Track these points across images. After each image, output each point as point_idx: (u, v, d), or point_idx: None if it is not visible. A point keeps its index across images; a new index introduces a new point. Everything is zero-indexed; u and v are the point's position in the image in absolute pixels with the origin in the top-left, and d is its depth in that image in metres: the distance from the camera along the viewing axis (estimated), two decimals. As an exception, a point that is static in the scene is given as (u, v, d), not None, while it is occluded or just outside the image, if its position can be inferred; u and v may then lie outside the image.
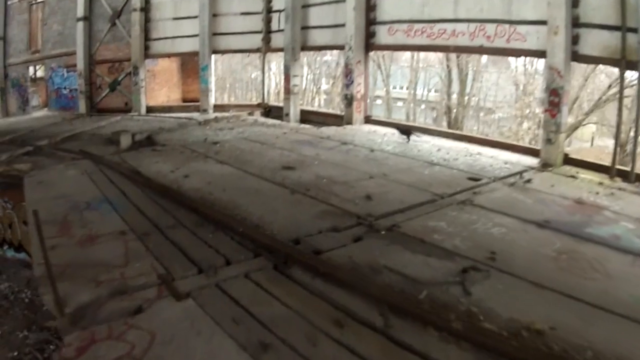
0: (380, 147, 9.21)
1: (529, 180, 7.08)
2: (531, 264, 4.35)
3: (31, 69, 20.88)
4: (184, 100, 18.04)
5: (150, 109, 16.44)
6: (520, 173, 7.49)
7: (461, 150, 8.97)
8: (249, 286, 3.84)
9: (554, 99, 8.20)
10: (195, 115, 14.37)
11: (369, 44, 11.81)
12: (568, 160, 8.23)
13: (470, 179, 7.01)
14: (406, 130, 10.14)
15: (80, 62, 17.58)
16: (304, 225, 5.19)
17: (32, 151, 10.34)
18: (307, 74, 24.92)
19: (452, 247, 4.66)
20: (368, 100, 12.72)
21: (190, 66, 17.17)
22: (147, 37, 16.22)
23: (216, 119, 13.07)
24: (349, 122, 11.84)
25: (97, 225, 5.25)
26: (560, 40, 8.00)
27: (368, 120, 12.09)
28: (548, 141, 8.28)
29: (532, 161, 8.35)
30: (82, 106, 17.95)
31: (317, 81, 26.29)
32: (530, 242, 4.87)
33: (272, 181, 6.94)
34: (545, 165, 8.01)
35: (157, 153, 8.99)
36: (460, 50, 11.24)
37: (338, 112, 12.65)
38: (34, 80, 20.93)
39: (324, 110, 15.00)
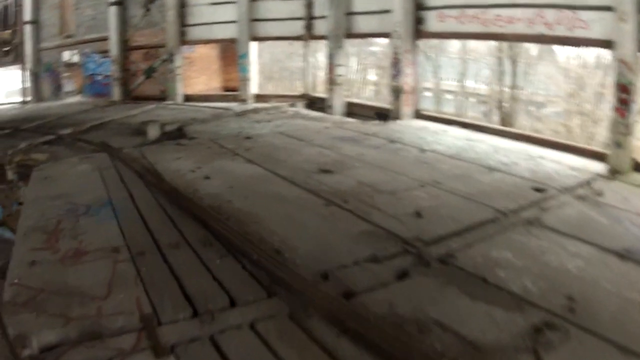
0: (432, 147, 8.32)
1: (600, 193, 6.09)
2: (618, 315, 3.44)
3: (66, 53, 20.89)
4: (225, 89, 17.54)
5: (187, 98, 15.97)
6: (589, 182, 6.54)
7: (521, 153, 8.00)
8: (252, 343, 3.02)
9: (622, 95, 7.20)
10: (234, 105, 13.80)
11: (418, 31, 10.91)
12: (638, 166, 7.28)
13: (535, 189, 6.10)
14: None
15: (113, 47, 17.34)
16: (336, 251, 4.33)
17: (53, 140, 10.17)
18: (356, 64, 24.03)
19: (521, 291, 3.72)
20: (418, 93, 11.80)
21: (231, 53, 16.44)
22: (182, 22, 15.74)
23: (255, 110, 12.45)
24: (397, 117, 11.05)
25: (90, 237, 4.64)
26: (629, 29, 7.06)
27: (418, 114, 11.23)
28: (617, 144, 7.30)
29: (598, 167, 7.29)
30: (116, 93, 17.73)
31: (365, 71, 25.38)
32: (613, 281, 3.93)
33: (304, 187, 6.13)
34: (613, 172, 7.04)
35: (182, 148, 8.49)
36: (517, 38, 9.92)
37: (385, 106, 11.73)
38: (70, 65, 20.85)
39: (370, 103, 14.08)
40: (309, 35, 13.17)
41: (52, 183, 6.54)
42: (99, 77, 19.07)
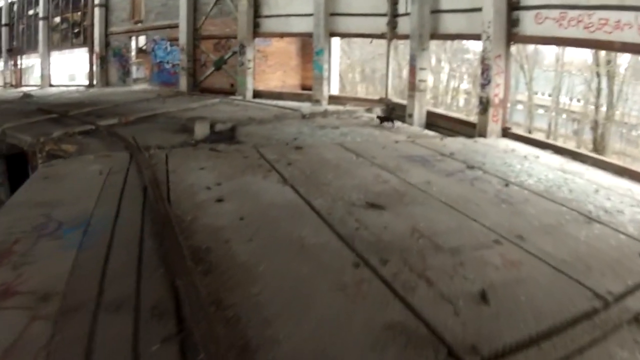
0: (519, 179, 7.20)
1: None
2: None
3: (136, 39, 21.85)
4: (303, 88, 17.62)
5: (257, 94, 16.26)
6: None
7: (626, 195, 6.82)
8: None
9: None
10: (305, 106, 13.89)
11: (511, 34, 10.22)
12: None
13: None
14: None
15: (183, 35, 17.90)
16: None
17: (90, 131, 10.45)
18: (448, 71, 23.59)
19: None
20: (508, 106, 11.19)
21: (312, 49, 16.58)
22: (256, 13, 16.00)
23: (325, 113, 12.44)
24: (483, 134, 10.36)
25: (33, 271, 3.88)
26: None
27: (506, 133, 10.41)
28: None
29: None
30: (183, 83, 18.38)
31: (456, 79, 24.88)
32: None
33: (337, 230, 4.82)
34: None
35: (214, 154, 7.92)
36: (627, 49, 8.85)
37: (471, 119, 11.32)
38: (142, 51, 21.80)
39: (454, 114, 13.43)
40: (392, 33, 12.89)
41: (47, 185, 6.26)
42: (168, 66, 19.81)
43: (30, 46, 28.05)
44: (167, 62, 19.84)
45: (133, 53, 22.07)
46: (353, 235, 4.71)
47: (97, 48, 22.71)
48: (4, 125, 11.48)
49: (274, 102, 14.87)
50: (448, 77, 23.57)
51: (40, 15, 26.45)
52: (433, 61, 21.17)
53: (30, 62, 28.51)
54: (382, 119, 11.52)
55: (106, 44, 22.72)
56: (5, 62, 29.99)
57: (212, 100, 15.42)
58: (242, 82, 16.35)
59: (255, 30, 16.13)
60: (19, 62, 29.16)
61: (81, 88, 23.13)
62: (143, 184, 6.08)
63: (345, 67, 24.24)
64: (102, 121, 11.18)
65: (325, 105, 14.06)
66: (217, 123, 10.58)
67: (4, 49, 30.09)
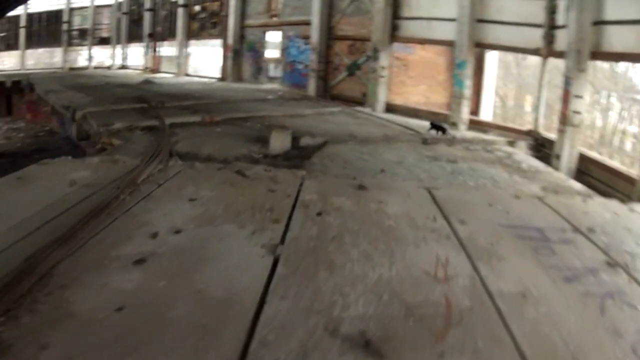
0: None
1: None
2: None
3: (271, 34, 22.42)
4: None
5: (391, 108, 15.74)
6: None
7: None
8: None
9: None
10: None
11: None
12: None
13: None
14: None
15: (315, 34, 17.95)
16: None
17: (154, 127, 11.00)
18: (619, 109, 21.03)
19: None
20: None
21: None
22: (395, 13, 15.47)
23: (452, 141, 11.48)
24: None
25: None
26: None
27: None
28: None
29: None
30: (311, 87, 18.48)
31: (624, 120, 22.08)
32: None
33: None
34: None
35: (233, 180, 6.91)
36: None
37: (632, 173, 9.47)
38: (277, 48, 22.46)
39: (612, 164, 10.82)
40: (549, 50, 11.54)
41: (6, 188, 6.10)
42: (300, 66, 20.06)
43: (171, 33, 30.03)
44: (300, 62, 20.08)
45: (267, 49, 22.62)
46: None
47: (230, 40, 23.69)
48: (88, 109, 12.81)
49: (405, 119, 14.23)
50: (618, 116, 21.08)
51: (181, 1, 28.15)
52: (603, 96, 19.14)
53: (170, 49, 30.51)
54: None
55: (241, 37, 23.62)
56: (147, 47, 32.42)
57: (332, 108, 15.28)
58: (373, 91, 15.96)
59: (393, 34, 15.60)
60: (158, 47, 31.42)
61: (212, 81, 24.43)
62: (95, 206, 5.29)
63: (508, 88, 22.93)
64: (184, 117, 12.03)
65: (462, 130, 13.20)
66: (305, 136, 10.32)
67: (145, 33, 32.53)
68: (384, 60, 15.72)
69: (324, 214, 5.76)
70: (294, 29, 20.07)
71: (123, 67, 37.67)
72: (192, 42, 28.65)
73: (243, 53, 23.78)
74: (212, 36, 26.51)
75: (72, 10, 40.75)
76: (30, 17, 41.54)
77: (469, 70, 13.51)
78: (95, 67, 38.96)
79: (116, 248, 4.50)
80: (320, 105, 16.01)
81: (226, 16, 24.05)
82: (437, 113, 14.73)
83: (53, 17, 41.17)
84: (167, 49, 31.10)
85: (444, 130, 11.88)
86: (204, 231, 5.05)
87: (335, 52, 18.01)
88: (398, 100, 16.16)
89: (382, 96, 15.88)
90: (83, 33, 40.70)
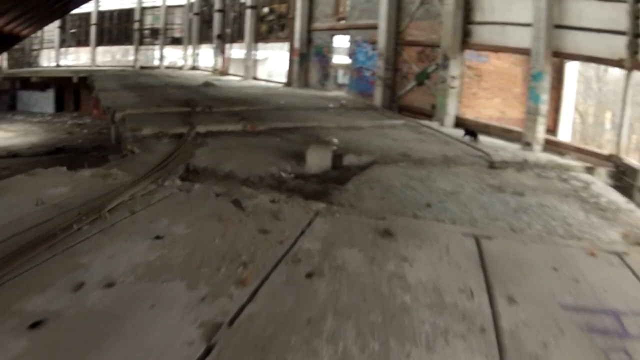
0: None
1: None
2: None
3: (339, 38, 22.07)
4: None
5: (460, 122, 14.98)
6: None
7: None
8: None
9: None
10: (507, 148, 12.29)
11: None
12: None
13: None
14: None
15: (382, 38, 17.44)
16: None
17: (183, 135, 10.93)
18: None
19: None
20: None
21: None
22: (467, 18, 14.75)
23: (522, 165, 10.67)
24: None
25: None
26: None
27: None
28: None
29: None
30: (377, 96, 17.97)
31: None
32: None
33: None
34: None
35: (223, 212, 6.06)
36: None
37: None
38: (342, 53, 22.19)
39: None
40: (633, 61, 10.49)
41: None
42: (367, 73, 19.53)
43: (239, 35, 30.14)
44: (367, 69, 19.53)
45: (334, 53, 22.20)
46: None
47: (297, 44, 23.56)
48: (128, 110, 13.17)
49: (477, 136, 13.50)
50: None
51: (249, 3, 28.12)
52: None
53: (239, 51, 30.62)
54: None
55: (308, 40, 23.42)
56: (216, 49, 32.66)
57: (394, 121, 14.77)
58: (442, 104, 15.26)
59: (465, 40, 14.88)
60: (227, 49, 31.58)
61: (277, 86, 24.42)
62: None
63: (588, 104, 21.60)
64: (224, 125, 12.07)
65: (536, 152, 12.24)
66: (350, 154, 9.67)
67: (215, 35, 32.83)
68: (454, 69, 14.99)
69: (317, 275, 4.58)
70: (361, 33, 19.61)
71: (193, 68, 38.29)
72: (261, 45, 28.64)
73: (310, 58, 23.64)
74: (279, 39, 26.45)
75: (143, 9, 41.81)
76: (101, 14, 43.09)
77: (545, 83, 12.54)
78: (167, 67, 39.93)
79: (24, 299, 3.87)
80: (383, 117, 15.54)
81: (293, 19, 23.80)
82: (510, 130, 13.85)
83: (125, 16, 42.56)
84: (236, 51, 31.24)
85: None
86: (141, 289, 4.18)
87: (403, 59, 17.39)
88: (469, 114, 15.41)
89: (452, 109, 15.16)
90: (155, 32, 41.62)
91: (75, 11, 41.91)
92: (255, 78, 28.58)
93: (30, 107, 34.96)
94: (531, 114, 12.69)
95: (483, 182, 9.09)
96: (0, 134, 25.69)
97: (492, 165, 10.37)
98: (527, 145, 12.51)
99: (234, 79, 28.89)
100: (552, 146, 12.50)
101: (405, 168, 9.59)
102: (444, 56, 15.04)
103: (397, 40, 17.36)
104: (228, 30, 32.39)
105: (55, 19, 35.81)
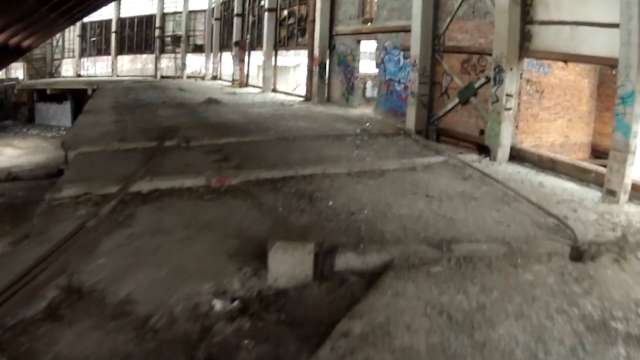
0: None
1: None
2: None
3: (366, 44, 18.81)
4: (594, 151, 12.67)
5: (517, 155, 11.41)
6: None
7: None
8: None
9: None
10: (590, 199, 8.70)
11: None
12: None
13: None
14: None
15: (415, 43, 13.89)
16: None
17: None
18: None
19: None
20: None
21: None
22: (526, 16, 11.07)
23: (620, 247, 6.65)
24: None
25: None
26: None
27: None
28: None
29: None
30: (410, 117, 14.34)
31: None
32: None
33: None
34: None
35: None
36: None
37: None
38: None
39: None
40: None
41: None
42: (399, 87, 15.92)
43: (259, 42, 27.26)
44: (399, 82, 15.89)
45: (360, 62, 18.79)
46: None
47: (317, 51, 20.06)
48: (83, 148, 10.85)
49: (539, 178, 9.98)
50: None
51: (266, 5, 25.04)
52: None
53: (258, 60, 27.68)
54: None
55: (330, 47, 19.90)
56: (235, 57, 29.75)
57: (430, 158, 11.11)
58: (494, 131, 11.58)
59: (524, 45, 11.20)
60: (246, 58, 28.53)
61: (294, 101, 21.36)
62: None
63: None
64: (183, 178, 8.64)
65: (623, 204, 8.52)
66: (348, 250, 5.79)
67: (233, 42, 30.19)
68: (510, 84, 11.29)
69: None
70: (391, 37, 16.08)
71: (214, 77, 35.67)
72: (282, 52, 25.54)
73: (333, 68, 19.98)
74: (300, 46, 23.02)
75: (164, 15, 39.30)
76: (122, 22, 41.08)
77: (637, 107, 8.77)
78: (188, 77, 37.59)
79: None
80: (416, 150, 11.98)
81: (313, 21, 20.37)
82: (586, 170, 10.08)
83: (145, 22, 40.60)
84: (255, 60, 28.17)
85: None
86: None
87: (443, 70, 13.70)
88: (528, 141, 11.80)
89: (506, 138, 11.47)
90: (177, 39, 39.03)
91: (95, 18, 40.96)
92: (275, 90, 25.43)
93: (48, 120, 33.60)
94: (618, 151, 8.86)
95: (572, 306, 4.95)
96: (9, 151, 24.06)
97: (577, 253, 6.56)
98: (611, 194, 8.79)
99: (251, 92, 25.87)
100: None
101: (443, 279, 5.43)
102: (498, 67, 11.34)
103: (435, 45, 13.72)
104: (247, 37, 29.25)
105: (60, 30, 33.83)
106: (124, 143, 11.26)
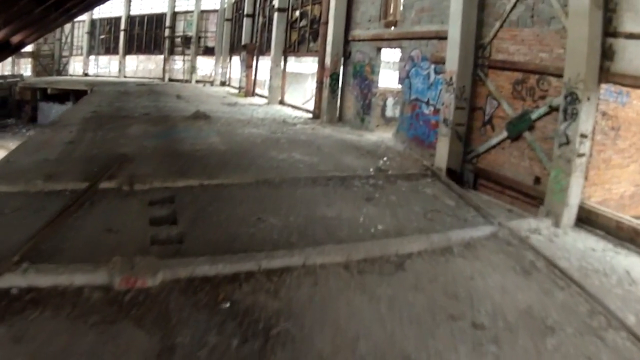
0: None
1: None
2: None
3: (388, 53, 15.39)
4: None
5: (586, 218, 7.86)
6: None
7: None
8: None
9: None
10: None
11: None
12: None
13: None
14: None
15: (452, 55, 10.29)
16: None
17: None
18: None
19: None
20: None
21: None
22: (608, 25, 7.51)
23: None
24: None
25: None
26: None
27: None
28: None
29: None
30: (441, 151, 10.70)
31: None
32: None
33: None
34: None
35: None
36: None
37: None
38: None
39: None
40: None
41: None
42: (427, 109, 12.23)
43: (268, 46, 23.93)
44: (428, 103, 12.23)
45: (379, 74, 15.33)
46: None
47: (328, 60, 16.45)
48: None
49: (621, 254, 6.82)
50: None
51: (277, 5, 21.82)
52: None
53: (266, 67, 24.44)
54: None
55: (345, 55, 16.29)
56: (242, 62, 26.70)
57: (470, 229, 7.32)
58: (559, 184, 7.95)
59: (604, 66, 7.63)
60: (254, 63, 25.21)
61: (300, 118, 17.98)
62: None
63: None
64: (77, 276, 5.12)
65: None
66: None
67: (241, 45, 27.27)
68: (587, 120, 7.69)
69: None
70: (419, 45, 12.49)
71: (223, 83, 32.74)
72: (292, 58, 22.18)
73: (347, 79, 16.37)
74: (312, 51, 19.54)
75: (175, 14, 36.25)
76: (131, 19, 38.55)
77: None
78: (198, 81, 34.74)
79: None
80: (450, 206, 8.41)
81: (325, 24, 16.83)
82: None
83: (155, 21, 37.91)
84: (264, 66, 24.90)
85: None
86: None
87: (487, 92, 10.02)
88: (596, 196, 8.25)
89: (575, 195, 7.87)
90: (187, 40, 36.01)
91: (105, 15, 38.98)
92: (282, 102, 21.93)
93: (50, 120, 30.45)
94: None
95: None
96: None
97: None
98: None
99: (255, 103, 22.52)
100: None
101: None
102: (571, 95, 7.68)
103: (478, 59, 10.08)
104: (255, 40, 25.88)
105: (55, 27, 31.15)
106: (50, 182, 8.03)
